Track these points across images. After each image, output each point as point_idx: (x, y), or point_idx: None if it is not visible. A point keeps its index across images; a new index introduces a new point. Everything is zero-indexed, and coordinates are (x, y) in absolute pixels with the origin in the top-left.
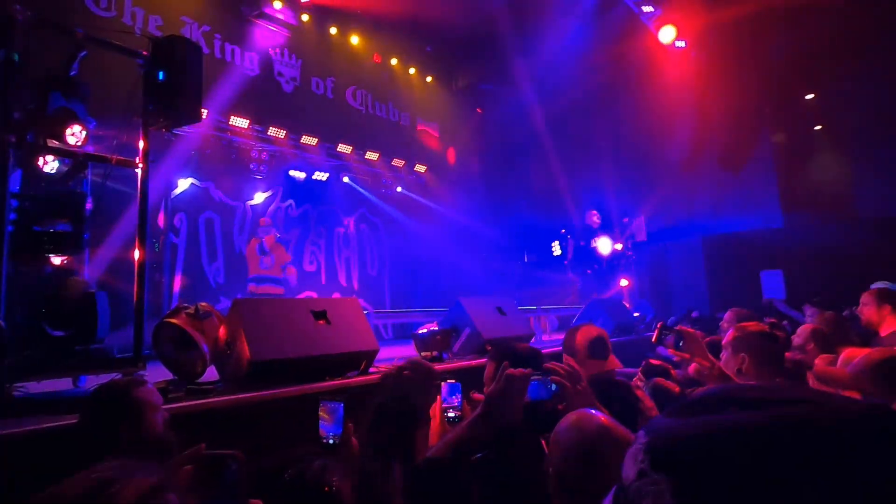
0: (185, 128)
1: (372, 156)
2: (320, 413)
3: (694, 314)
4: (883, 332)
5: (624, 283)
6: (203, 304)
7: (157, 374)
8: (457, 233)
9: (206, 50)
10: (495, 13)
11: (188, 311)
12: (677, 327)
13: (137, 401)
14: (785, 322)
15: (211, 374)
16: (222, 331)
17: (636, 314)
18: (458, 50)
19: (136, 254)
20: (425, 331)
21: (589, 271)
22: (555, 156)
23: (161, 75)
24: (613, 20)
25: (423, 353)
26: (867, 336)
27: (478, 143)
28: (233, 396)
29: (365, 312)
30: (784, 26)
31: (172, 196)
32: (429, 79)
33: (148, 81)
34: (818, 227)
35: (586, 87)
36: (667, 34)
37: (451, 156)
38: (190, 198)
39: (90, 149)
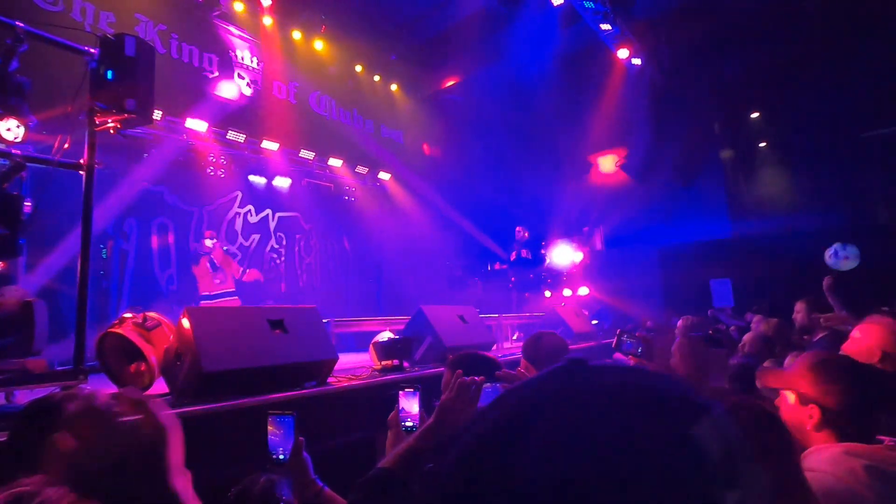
0: (139, 129)
1: (335, 162)
2: (269, 428)
3: (649, 323)
4: (815, 338)
5: (584, 291)
6: (151, 313)
7: (100, 387)
8: (420, 241)
9: (161, 49)
10: (460, 24)
11: (135, 320)
12: (637, 334)
13: (101, 411)
14: (732, 328)
15: (160, 387)
16: (172, 341)
17: (595, 322)
18: (423, 59)
19: (79, 260)
20: (385, 339)
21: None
22: (517, 166)
23: (110, 74)
24: (574, 35)
25: (383, 362)
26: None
27: (443, 152)
28: (181, 410)
29: (326, 321)
30: (731, 49)
31: (122, 200)
32: (393, 87)
33: (95, 80)
34: (763, 237)
35: (548, 100)
36: (623, 52)
37: (427, 149)
38: (142, 202)
39: (31, 148)
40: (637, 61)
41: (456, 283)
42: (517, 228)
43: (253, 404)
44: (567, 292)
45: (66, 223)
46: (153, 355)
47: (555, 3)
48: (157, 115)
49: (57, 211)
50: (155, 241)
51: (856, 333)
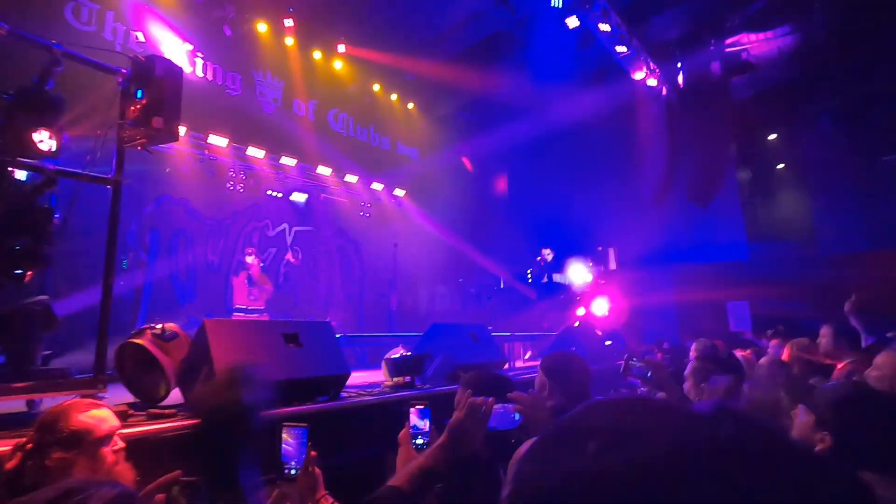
0: (164, 144)
1: (351, 178)
2: (283, 438)
3: (665, 345)
4: (839, 365)
5: (599, 310)
6: (170, 324)
7: (119, 396)
8: (435, 257)
9: (187, 68)
10: (476, 45)
11: (154, 331)
12: (646, 359)
13: (81, 429)
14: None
15: (176, 397)
16: (189, 352)
17: (608, 342)
18: (439, 78)
19: (103, 272)
20: (397, 356)
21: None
22: (531, 185)
23: (139, 93)
24: (590, 57)
25: (395, 379)
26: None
27: (456, 169)
28: (189, 422)
29: (339, 335)
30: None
31: (145, 212)
32: (410, 105)
33: (125, 99)
34: (781, 260)
35: (564, 120)
36: (639, 73)
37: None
38: (163, 214)
39: (62, 162)
40: (653, 82)
41: (470, 300)
42: (543, 251)
43: (266, 417)
44: (581, 311)
45: (92, 234)
46: (170, 366)
47: (570, 26)
48: (182, 130)
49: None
50: (174, 254)
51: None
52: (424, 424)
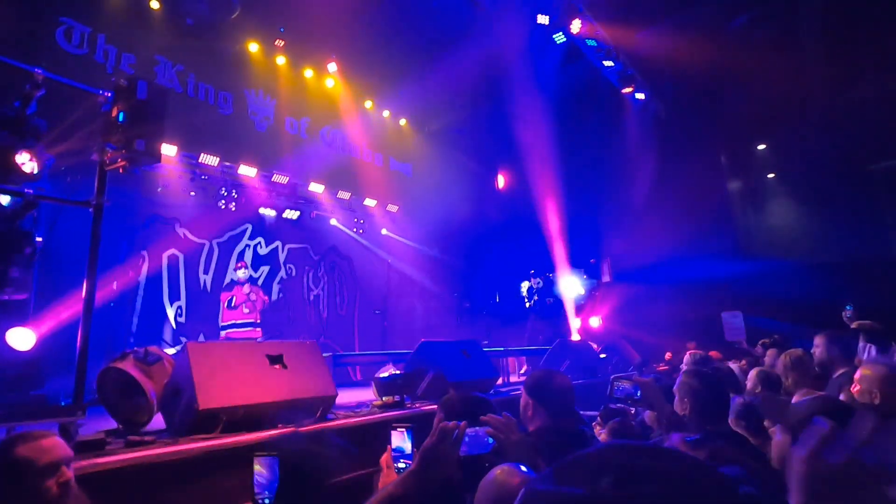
0: (155, 164)
1: (344, 195)
2: (255, 468)
3: (668, 355)
4: (834, 374)
5: (594, 322)
6: (153, 347)
7: (101, 422)
8: (429, 273)
9: (178, 89)
10: (466, 63)
11: (136, 354)
12: (633, 378)
13: (20, 461)
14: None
15: (158, 422)
16: (171, 376)
17: (603, 356)
18: (431, 95)
19: (85, 296)
20: (387, 374)
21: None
22: (523, 198)
23: (121, 116)
24: (579, 71)
25: (384, 398)
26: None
27: (450, 185)
28: (175, 448)
29: (327, 355)
30: (735, 82)
31: (136, 232)
32: (402, 122)
33: (107, 122)
34: (773, 270)
35: (554, 134)
36: (627, 87)
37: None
38: (153, 234)
39: (46, 185)
40: (641, 96)
41: (464, 315)
42: (532, 281)
43: (249, 442)
44: (576, 324)
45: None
46: (153, 390)
47: (557, 42)
48: (173, 150)
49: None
50: (165, 274)
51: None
52: (407, 447)
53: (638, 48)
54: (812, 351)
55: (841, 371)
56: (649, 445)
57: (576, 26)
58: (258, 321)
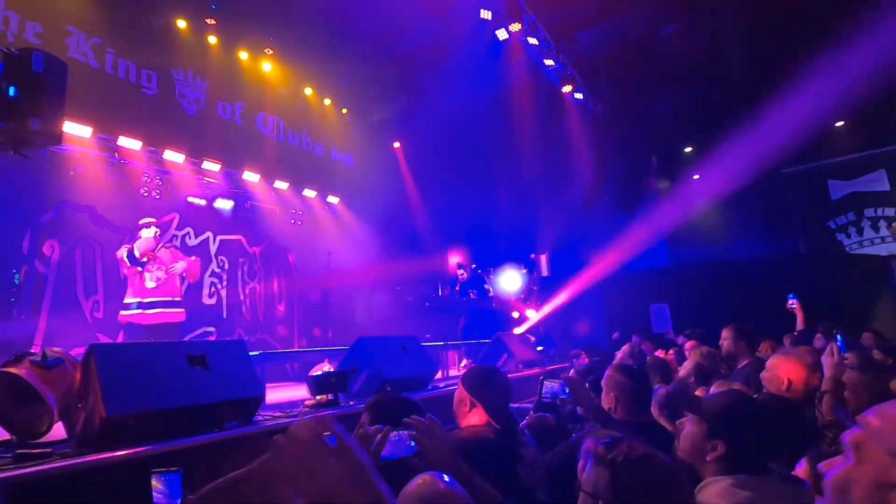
0: (65, 146)
1: (282, 185)
2: (153, 485)
3: (615, 335)
4: (739, 365)
5: (533, 315)
6: (54, 349)
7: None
8: (371, 266)
9: (94, 64)
10: (412, 51)
11: (33, 357)
12: (561, 376)
13: None
14: (672, 352)
15: (59, 432)
16: (75, 381)
17: (540, 348)
18: (374, 84)
19: None
20: (320, 372)
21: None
22: (467, 193)
23: (12, 91)
24: (521, 69)
25: (317, 397)
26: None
27: (393, 177)
28: (75, 461)
29: (257, 353)
30: (664, 86)
31: (42, 220)
32: (344, 110)
33: None
34: (697, 265)
35: (496, 130)
36: (567, 86)
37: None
38: (65, 222)
39: None
40: (580, 95)
41: (407, 309)
42: (458, 271)
43: (163, 451)
44: (515, 315)
45: None
46: (52, 397)
47: (500, 38)
48: (87, 132)
49: None
50: (79, 266)
51: (769, 363)
52: None
53: (577, 49)
54: (720, 343)
55: (745, 362)
56: None
57: (515, 27)
58: (177, 300)
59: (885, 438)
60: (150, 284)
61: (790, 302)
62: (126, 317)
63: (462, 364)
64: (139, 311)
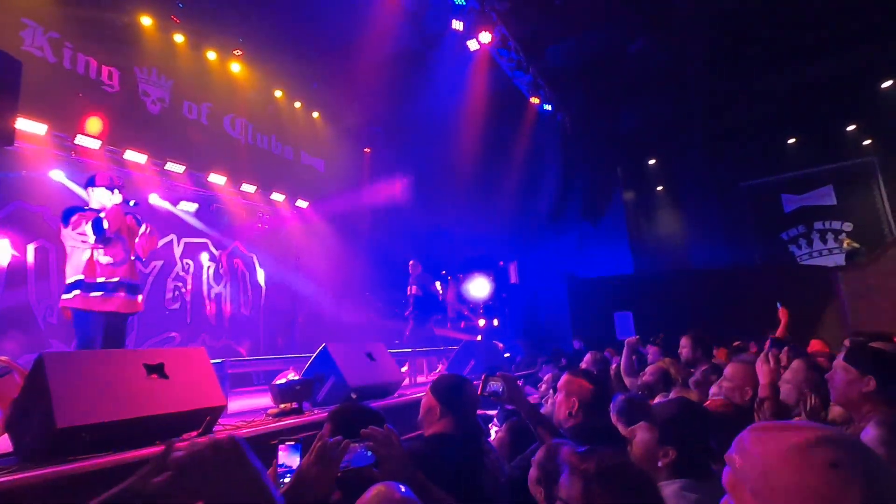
0: (18, 144)
1: (249, 188)
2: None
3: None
4: (697, 371)
5: (498, 323)
6: (2, 357)
7: None
8: (339, 272)
9: (51, 59)
10: (384, 58)
11: None
12: (497, 374)
13: None
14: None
15: (5, 445)
16: (22, 391)
17: (507, 355)
18: (346, 89)
19: None
20: (284, 381)
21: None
22: (436, 200)
23: None
24: (491, 80)
25: (281, 405)
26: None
27: (364, 182)
28: (22, 475)
29: (219, 361)
30: (630, 100)
31: None
32: (315, 114)
33: None
34: (660, 273)
35: (466, 138)
36: (536, 98)
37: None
38: (17, 223)
39: None
40: (548, 107)
41: (377, 315)
42: (410, 262)
43: (117, 463)
44: (482, 323)
45: None
46: None
47: (471, 49)
48: (42, 129)
49: None
50: (32, 268)
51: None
52: (294, 462)
53: (547, 62)
54: (679, 351)
55: (703, 368)
56: None
57: (485, 37)
58: (136, 281)
59: (748, 478)
60: (104, 260)
61: (781, 309)
62: (72, 301)
63: (438, 369)
64: (98, 293)
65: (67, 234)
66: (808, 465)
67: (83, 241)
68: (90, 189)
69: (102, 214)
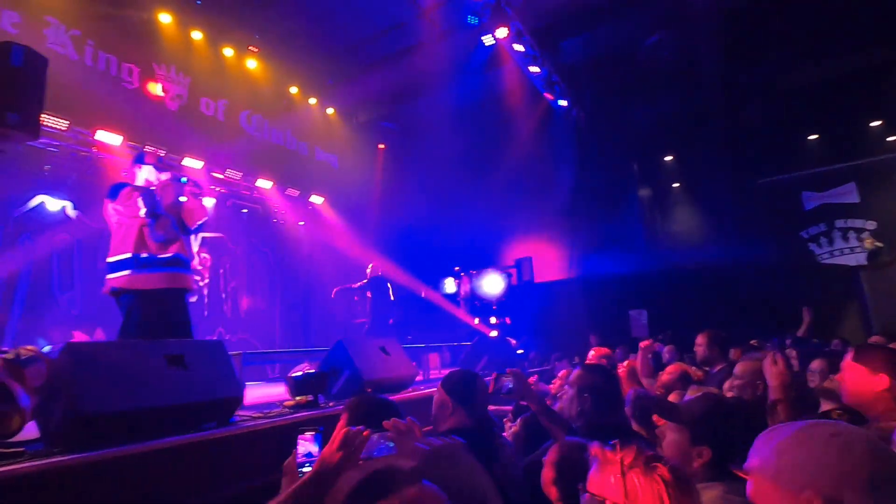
0: (43, 140)
1: (265, 184)
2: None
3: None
4: (713, 370)
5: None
6: (28, 346)
7: None
8: (353, 266)
9: (73, 56)
10: (398, 54)
11: (6, 355)
12: (508, 370)
13: None
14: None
15: (31, 431)
16: (48, 379)
17: (520, 351)
18: (360, 86)
19: None
20: (300, 373)
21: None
22: (451, 196)
23: None
24: (505, 75)
25: (297, 398)
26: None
27: (378, 178)
28: (48, 461)
29: (238, 353)
30: (645, 96)
31: (15, 215)
32: (330, 111)
33: None
34: (675, 271)
35: (481, 134)
36: (550, 93)
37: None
38: (40, 217)
39: None
40: (563, 103)
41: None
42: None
43: (140, 451)
44: (494, 321)
45: None
46: (25, 395)
47: (486, 44)
48: (64, 125)
49: None
50: (55, 261)
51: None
52: (314, 450)
53: (561, 57)
54: (695, 349)
55: (719, 367)
56: None
57: (501, 32)
58: (187, 259)
59: (766, 469)
60: (156, 236)
61: (805, 309)
62: (120, 280)
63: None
64: (151, 271)
65: (115, 210)
66: (813, 439)
67: (132, 217)
68: (139, 166)
69: (159, 194)
